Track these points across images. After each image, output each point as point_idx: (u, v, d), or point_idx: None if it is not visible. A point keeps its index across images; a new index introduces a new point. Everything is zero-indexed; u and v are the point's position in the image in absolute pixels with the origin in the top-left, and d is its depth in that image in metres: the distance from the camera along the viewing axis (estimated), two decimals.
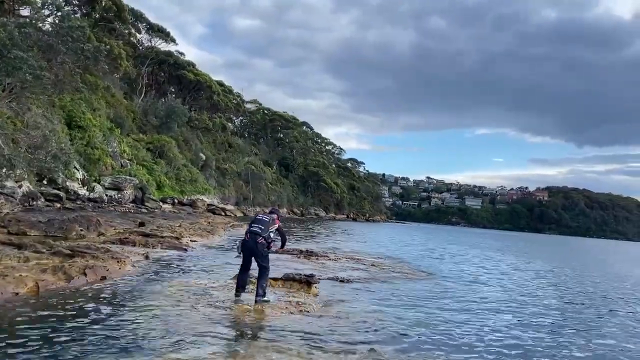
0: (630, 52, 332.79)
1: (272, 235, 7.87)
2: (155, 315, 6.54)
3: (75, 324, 5.79)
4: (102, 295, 7.40)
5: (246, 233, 7.94)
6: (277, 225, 8.00)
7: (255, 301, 7.69)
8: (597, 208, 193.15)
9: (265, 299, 7.81)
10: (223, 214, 45.53)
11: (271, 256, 13.72)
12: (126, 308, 6.80)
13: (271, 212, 8.46)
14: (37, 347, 4.86)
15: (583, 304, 11.95)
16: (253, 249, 7.77)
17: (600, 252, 53.82)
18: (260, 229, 7.80)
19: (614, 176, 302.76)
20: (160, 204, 37.28)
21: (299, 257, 15.63)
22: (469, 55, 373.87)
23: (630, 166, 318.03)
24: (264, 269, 7.83)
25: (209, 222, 28.79)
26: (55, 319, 5.90)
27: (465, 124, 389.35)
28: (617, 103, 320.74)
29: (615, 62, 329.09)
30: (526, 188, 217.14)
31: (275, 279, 9.77)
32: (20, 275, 7.49)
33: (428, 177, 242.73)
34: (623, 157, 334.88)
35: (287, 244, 9.60)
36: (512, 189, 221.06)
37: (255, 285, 7.94)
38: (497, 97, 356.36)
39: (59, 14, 24.54)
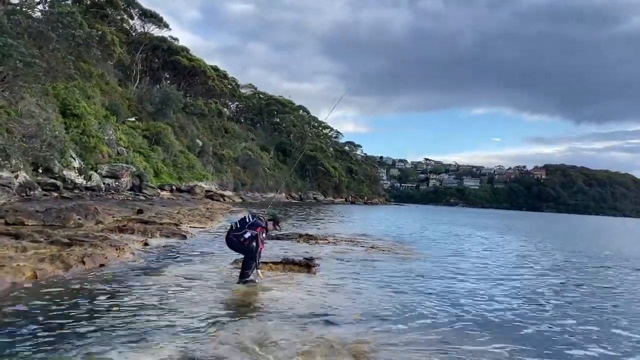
0: (626, 28, 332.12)
1: (246, 236, 7.82)
2: (154, 301, 6.49)
3: (72, 312, 5.74)
4: (99, 283, 7.34)
5: None
6: (256, 233, 7.80)
7: (238, 282, 7.88)
8: (595, 185, 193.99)
9: (249, 279, 7.92)
10: (221, 199, 45.50)
11: (271, 241, 13.72)
12: (124, 295, 6.75)
13: (269, 219, 8.37)
14: (35, 336, 4.80)
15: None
16: (229, 244, 8.05)
17: (595, 229, 54.07)
18: (237, 226, 7.96)
19: (612, 153, 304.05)
20: (158, 191, 37.16)
21: (298, 241, 15.60)
22: (465, 35, 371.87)
23: (628, 142, 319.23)
24: (246, 258, 7.96)
25: (207, 208, 28.75)
26: (53, 307, 5.85)
27: (462, 104, 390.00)
28: (613, 79, 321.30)
29: (611, 38, 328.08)
30: (524, 167, 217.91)
31: (275, 263, 9.76)
32: (18, 265, 7.43)
33: (426, 159, 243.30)
34: (621, 133, 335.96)
35: (282, 229, 9.47)
36: (510, 168, 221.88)
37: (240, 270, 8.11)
38: (493, 76, 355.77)
39: (49, 0, 24.18)
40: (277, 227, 8.53)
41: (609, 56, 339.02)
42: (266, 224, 8.17)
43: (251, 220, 7.96)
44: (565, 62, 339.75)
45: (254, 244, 7.82)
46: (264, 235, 8.03)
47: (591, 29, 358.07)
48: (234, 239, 7.90)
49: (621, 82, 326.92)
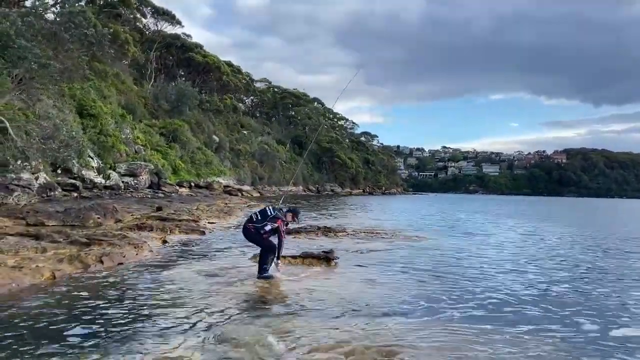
0: None
1: (267, 228, 7.71)
2: (173, 297, 6.42)
3: (91, 310, 5.68)
4: (117, 281, 7.29)
5: None
6: (276, 225, 7.70)
7: (258, 277, 7.78)
8: (617, 168, 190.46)
9: (267, 274, 7.80)
10: (239, 194, 45.64)
11: (289, 236, 13.62)
12: (143, 292, 6.68)
13: (288, 211, 8.25)
14: (54, 336, 4.74)
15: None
16: (245, 234, 7.96)
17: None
18: (257, 218, 7.85)
19: (633, 134, 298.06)
20: (177, 188, 37.40)
21: (317, 234, 15.47)
22: (480, 20, 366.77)
23: None
24: (263, 251, 7.87)
25: (225, 204, 28.81)
26: (71, 307, 5.80)
27: (479, 90, 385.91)
28: (632, 60, 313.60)
29: (629, 18, 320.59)
30: (544, 152, 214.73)
31: (294, 257, 9.65)
32: (37, 266, 7.43)
33: (444, 147, 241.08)
34: None
35: (300, 221, 9.32)
36: (529, 153, 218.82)
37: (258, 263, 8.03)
38: (509, 61, 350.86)
39: (60, 0, 24.30)
40: (295, 219, 8.38)
41: (627, 36, 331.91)
42: (285, 216, 8.06)
43: (272, 212, 7.85)
44: (582, 43, 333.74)
45: (275, 236, 7.75)
46: (284, 227, 7.93)
47: (609, 9, 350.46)
48: (252, 230, 7.78)
49: (639, 62, 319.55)
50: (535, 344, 5.25)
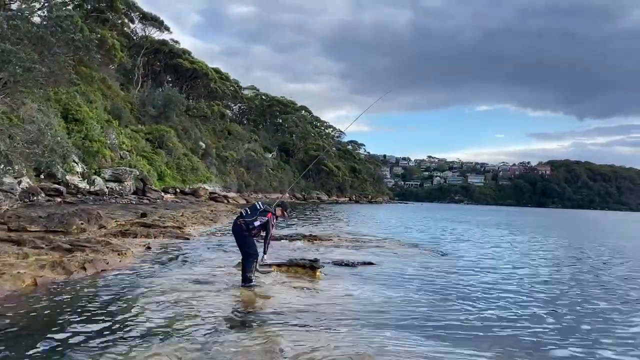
0: (628, 22, 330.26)
1: (256, 224, 7.69)
2: (156, 305, 6.38)
3: (71, 317, 5.62)
4: (99, 288, 7.23)
5: None
6: (266, 219, 7.70)
7: (242, 286, 7.70)
8: (599, 180, 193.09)
9: (252, 283, 7.75)
10: (225, 201, 45.41)
11: (274, 242, 13.60)
12: (123, 300, 6.63)
13: (277, 205, 8.29)
14: (31, 343, 4.69)
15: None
16: (235, 230, 7.85)
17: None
18: (247, 213, 7.81)
19: (616, 147, 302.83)
20: (162, 194, 37.11)
21: (302, 242, 15.48)
22: (467, 31, 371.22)
23: (632, 137, 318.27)
24: (246, 255, 7.77)
25: (211, 210, 28.65)
26: (51, 314, 5.74)
27: (466, 101, 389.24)
28: (616, 73, 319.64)
29: (613, 32, 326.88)
30: (528, 163, 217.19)
31: (279, 265, 9.64)
32: (18, 272, 7.33)
33: (430, 156, 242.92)
34: (625, 127, 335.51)
35: (280, 227, 9.31)
36: (514, 164, 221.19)
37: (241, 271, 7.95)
38: (496, 73, 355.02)
39: (47, 4, 24.12)
40: (285, 213, 8.40)
41: (611, 50, 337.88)
42: (275, 210, 8.08)
43: (262, 207, 7.87)
44: (567, 57, 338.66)
45: (262, 232, 7.73)
46: (274, 220, 7.94)
47: (593, 24, 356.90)
48: (243, 226, 7.73)
49: (624, 76, 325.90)
50: None
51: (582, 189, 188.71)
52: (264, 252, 7.80)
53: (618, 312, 7.83)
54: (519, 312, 7.42)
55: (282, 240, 15.14)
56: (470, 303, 7.82)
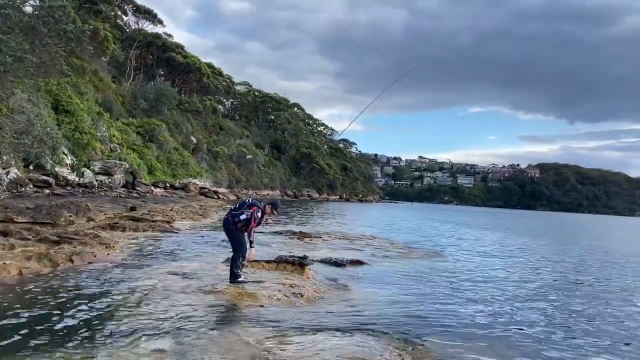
0: (620, 29, 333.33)
1: (242, 217, 7.67)
2: (142, 299, 6.35)
3: (57, 309, 5.59)
4: (85, 281, 7.19)
5: None
6: (251, 211, 7.61)
7: (230, 282, 7.68)
8: (588, 184, 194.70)
9: (240, 279, 7.72)
10: (215, 197, 45.28)
11: (264, 238, 13.60)
12: (110, 293, 6.59)
13: (268, 204, 8.24)
14: (11, 334, 4.66)
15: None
16: (225, 225, 7.86)
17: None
18: (235, 207, 7.85)
19: (604, 152, 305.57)
20: (152, 188, 36.93)
21: (292, 239, 15.48)
22: (461, 34, 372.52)
23: (621, 141, 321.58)
24: (234, 249, 7.75)
25: (201, 206, 28.58)
26: (35, 306, 5.70)
27: (458, 103, 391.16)
28: (607, 79, 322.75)
29: (605, 38, 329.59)
30: (518, 165, 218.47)
31: (268, 262, 9.62)
32: (4, 263, 7.27)
33: (420, 157, 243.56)
34: (614, 132, 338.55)
35: (269, 224, 9.14)
36: (503, 166, 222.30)
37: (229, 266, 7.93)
38: (489, 75, 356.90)
39: None
40: (275, 211, 8.33)
41: (602, 56, 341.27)
42: (264, 207, 8.03)
43: (250, 201, 7.86)
44: (559, 61, 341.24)
45: (246, 227, 7.64)
46: (259, 214, 7.84)
47: (586, 29, 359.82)
48: (230, 219, 7.72)
49: (614, 82, 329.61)
50: None
51: (571, 192, 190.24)
52: (250, 245, 7.74)
53: (609, 313, 7.93)
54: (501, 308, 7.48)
55: (272, 237, 15.13)
56: (457, 300, 7.88)
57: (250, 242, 7.68)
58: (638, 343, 6.40)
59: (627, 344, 6.28)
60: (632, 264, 15.93)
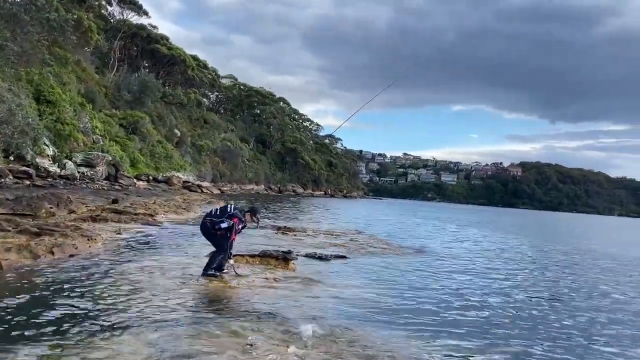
0: (603, 30, 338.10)
1: (222, 225, 7.61)
2: (123, 292, 6.30)
3: (36, 302, 5.52)
4: (67, 273, 7.10)
5: None
6: (232, 223, 7.56)
7: (202, 275, 7.66)
8: (569, 183, 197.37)
9: (211, 272, 7.67)
10: (199, 190, 45.04)
11: (249, 232, 13.57)
12: (91, 285, 6.53)
13: (247, 210, 8.16)
14: None
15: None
16: (202, 228, 7.87)
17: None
18: (216, 213, 7.78)
19: (585, 152, 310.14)
20: (135, 180, 36.57)
21: (276, 234, 15.48)
22: (447, 32, 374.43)
23: (601, 142, 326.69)
24: (214, 253, 7.81)
25: (184, 199, 28.38)
26: (14, 298, 5.62)
27: (443, 101, 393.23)
28: (589, 80, 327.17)
29: (588, 39, 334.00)
30: (500, 163, 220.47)
31: (252, 256, 9.61)
32: None
33: (405, 154, 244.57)
34: (595, 133, 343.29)
35: (250, 227, 9.05)
36: (487, 164, 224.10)
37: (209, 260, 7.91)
38: (474, 74, 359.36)
39: None
40: (254, 218, 8.25)
41: (585, 57, 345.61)
42: (244, 215, 7.96)
43: (232, 211, 7.74)
44: (543, 62, 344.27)
45: (228, 234, 7.62)
46: (239, 226, 7.81)
47: (570, 30, 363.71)
48: (208, 225, 7.70)
49: (596, 83, 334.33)
50: None
51: (552, 191, 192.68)
52: (229, 258, 7.73)
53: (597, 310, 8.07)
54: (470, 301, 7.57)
55: (256, 231, 15.09)
56: (437, 295, 7.95)
57: (230, 254, 7.67)
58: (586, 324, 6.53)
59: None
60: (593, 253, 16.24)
